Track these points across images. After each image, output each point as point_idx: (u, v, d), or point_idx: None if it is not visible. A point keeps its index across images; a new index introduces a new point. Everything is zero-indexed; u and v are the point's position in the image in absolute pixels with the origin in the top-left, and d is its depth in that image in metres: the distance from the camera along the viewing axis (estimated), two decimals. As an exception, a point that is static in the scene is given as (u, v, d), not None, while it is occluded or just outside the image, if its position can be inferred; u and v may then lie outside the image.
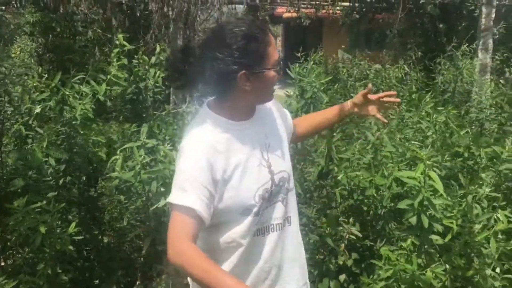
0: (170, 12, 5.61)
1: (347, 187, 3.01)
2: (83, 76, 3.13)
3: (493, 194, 2.78)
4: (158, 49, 3.45)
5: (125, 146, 2.47)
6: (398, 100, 2.09)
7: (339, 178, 2.96)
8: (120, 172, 2.38)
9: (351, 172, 2.95)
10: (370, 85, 2.08)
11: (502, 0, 7.95)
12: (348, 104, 2.08)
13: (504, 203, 2.88)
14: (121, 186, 2.66)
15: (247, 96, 1.62)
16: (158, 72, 3.41)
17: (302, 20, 9.69)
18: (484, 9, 5.92)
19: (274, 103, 1.89)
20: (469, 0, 7.73)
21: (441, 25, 7.91)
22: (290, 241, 1.78)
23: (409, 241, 2.43)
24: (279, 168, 1.71)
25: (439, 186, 2.33)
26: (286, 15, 12.35)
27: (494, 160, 3.08)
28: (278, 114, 1.86)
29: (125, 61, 3.25)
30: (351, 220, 3.01)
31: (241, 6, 9.15)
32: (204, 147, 1.56)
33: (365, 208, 3.03)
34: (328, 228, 2.92)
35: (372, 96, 2.03)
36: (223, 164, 1.57)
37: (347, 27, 9.73)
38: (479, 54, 5.94)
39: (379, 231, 3.01)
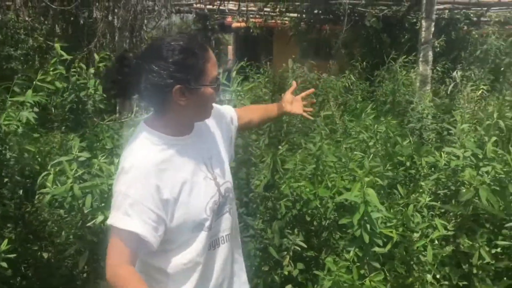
0: (116, 21, 5.51)
1: (290, 198, 3.03)
2: (9, 85, 2.99)
3: (432, 202, 2.86)
4: (97, 57, 3.36)
5: (55, 160, 2.37)
6: (313, 101, 2.39)
7: (282, 189, 2.97)
8: (51, 188, 2.29)
9: (294, 183, 2.96)
10: (294, 83, 2.24)
11: (442, 14, 8.28)
12: (282, 102, 2.21)
13: (442, 210, 2.97)
14: (54, 202, 2.55)
15: (183, 111, 1.60)
16: (98, 81, 3.31)
17: (251, 30, 9.75)
18: (424, 23, 6.15)
19: (221, 112, 1.91)
20: (410, 13, 8.01)
21: (384, 37, 8.18)
22: (237, 250, 1.85)
23: (351, 253, 2.45)
24: (224, 179, 1.73)
25: (377, 203, 2.40)
26: (235, 25, 12.39)
27: (432, 168, 3.18)
28: (216, 121, 1.84)
29: (63, 70, 3.14)
30: (295, 231, 3.02)
31: (189, 15, 9.10)
32: (149, 167, 1.53)
33: (309, 219, 3.04)
34: (273, 240, 2.92)
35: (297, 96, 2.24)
36: (169, 182, 1.55)
37: (296, 37, 9.86)
38: (420, 66, 6.16)
39: (324, 241, 3.03)
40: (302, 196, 2.97)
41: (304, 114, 2.23)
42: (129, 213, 1.48)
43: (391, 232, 2.49)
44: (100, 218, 2.33)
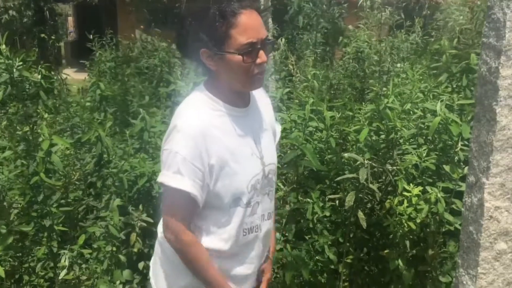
0: None
1: (132, 174, 2.94)
2: None
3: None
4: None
5: None
6: None
7: (121, 165, 2.88)
8: None
9: (133, 159, 2.88)
10: None
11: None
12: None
13: (285, 172, 3.08)
14: None
15: (219, 77, 1.61)
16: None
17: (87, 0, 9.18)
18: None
19: (272, 110, 1.88)
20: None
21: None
22: (270, 234, 1.83)
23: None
24: (269, 161, 1.72)
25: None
26: (69, -7, 11.58)
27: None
28: (269, 116, 1.84)
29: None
30: (140, 207, 2.95)
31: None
32: (201, 129, 1.54)
33: (153, 194, 3.00)
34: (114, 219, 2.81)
35: None
36: (217, 150, 1.56)
37: (139, 5, 9.51)
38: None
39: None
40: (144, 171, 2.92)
41: None
42: (181, 171, 1.52)
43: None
44: None
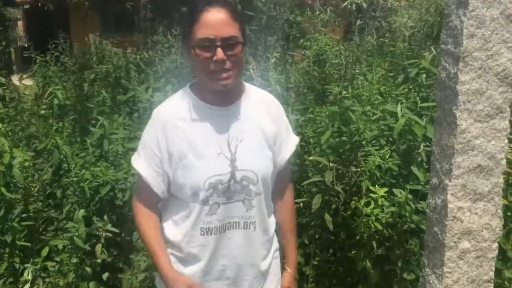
0: None
1: (94, 183, 2.88)
2: None
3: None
4: None
5: None
6: None
7: (82, 174, 2.81)
8: None
9: (95, 168, 2.83)
10: None
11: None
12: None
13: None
14: None
15: (196, 72, 1.65)
16: None
17: (40, 4, 8.88)
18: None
19: (283, 121, 1.82)
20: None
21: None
22: (255, 245, 1.75)
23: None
24: (245, 166, 1.66)
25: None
26: (20, -2, 11.20)
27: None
28: (274, 124, 1.76)
29: None
30: (105, 217, 2.90)
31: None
32: (165, 118, 1.64)
33: (117, 202, 2.94)
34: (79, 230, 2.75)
35: None
36: (178, 140, 1.61)
37: (94, 10, 9.28)
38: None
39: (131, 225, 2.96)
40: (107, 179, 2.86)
41: None
42: (140, 153, 1.68)
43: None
44: None
